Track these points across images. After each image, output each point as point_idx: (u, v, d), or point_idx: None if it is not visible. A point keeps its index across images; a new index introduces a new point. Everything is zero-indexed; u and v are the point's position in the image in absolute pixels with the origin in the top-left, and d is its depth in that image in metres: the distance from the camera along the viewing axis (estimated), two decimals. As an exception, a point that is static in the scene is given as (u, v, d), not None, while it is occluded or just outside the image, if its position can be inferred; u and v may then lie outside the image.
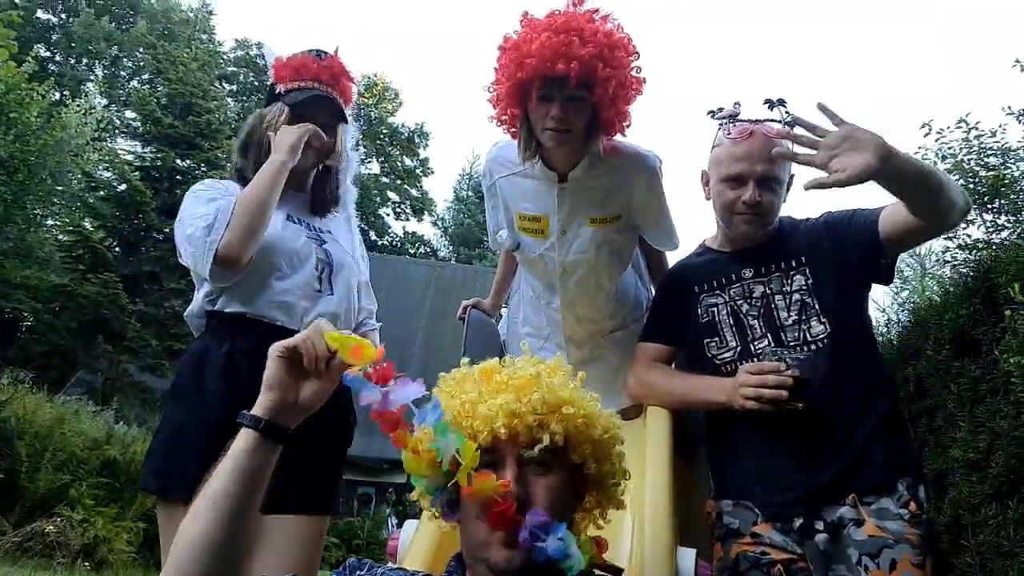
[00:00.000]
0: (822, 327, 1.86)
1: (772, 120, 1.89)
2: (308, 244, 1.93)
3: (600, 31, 1.82)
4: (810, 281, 1.89)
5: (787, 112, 1.83)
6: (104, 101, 22.34)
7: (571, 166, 2.02)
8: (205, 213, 1.82)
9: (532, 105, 1.90)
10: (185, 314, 1.97)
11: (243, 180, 1.95)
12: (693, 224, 2.24)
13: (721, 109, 1.97)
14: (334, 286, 1.94)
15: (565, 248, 2.12)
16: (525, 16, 1.89)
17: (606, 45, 1.81)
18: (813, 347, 1.84)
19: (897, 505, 1.70)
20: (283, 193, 1.97)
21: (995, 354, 1.48)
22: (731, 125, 1.93)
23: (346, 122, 2.08)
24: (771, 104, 1.86)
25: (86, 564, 5.91)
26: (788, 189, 1.98)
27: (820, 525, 1.75)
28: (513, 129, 2.00)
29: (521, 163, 2.05)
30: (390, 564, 1.39)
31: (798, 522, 1.76)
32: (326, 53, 2.05)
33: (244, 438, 1.18)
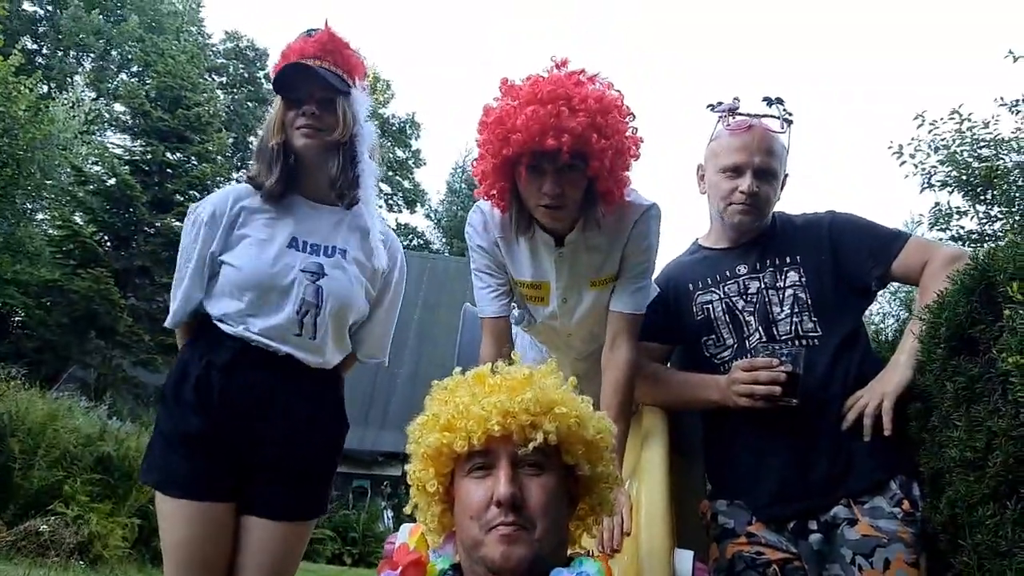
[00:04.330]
0: (813, 324, 1.86)
1: (771, 116, 1.91)
2: (298, 283, 1.81)
3: (590, 96, 1.68)
4: (803, 278, 1.89)
5: (785, 110, 1.84)
6: (92, 94, 22.18)
7: (568, 230, 1.88)
8: (176, 276, 1.91)
9: (522, 181, 1.77)
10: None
11: (256, 186, 1.88)
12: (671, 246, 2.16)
13: (721, 103, 1.97)
14: (318, 330, 1.82)
15: (568, 315, 1.99)
16: (505, 84, 1.77)
17: (599, 111, 1.68)
18: (804, 343, 1.84)
19: (890, 504, 1.70)
20: (295, 206, 1.90)
21: (993, 353, 1.47)
22: (730, 118, 1.94)
23: (347, 94, 1.89)
24: (770, 101, 1.88)
25: (81, 562, 5.89)
26: (782, 187, 1.98)
27: (814, 525, 1.75)
28: (502, 203, 1.86)
29: (514, 238, 1.91)
30: None
31: (792, 522, 1.77)
32: (315, 29, 1.92)
33: None
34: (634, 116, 1.78)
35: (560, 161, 1.69)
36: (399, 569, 1.27)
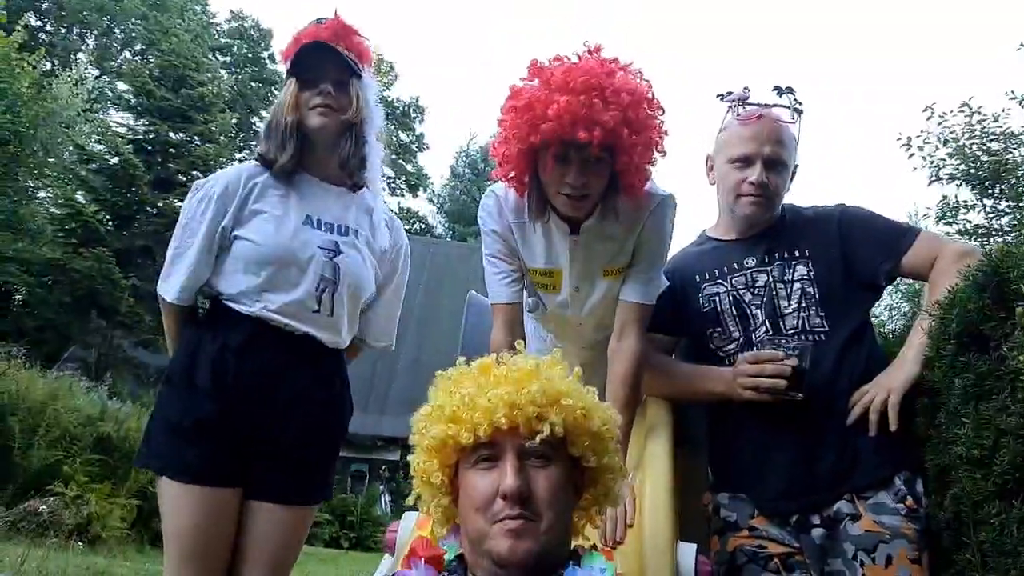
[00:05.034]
0: (820, 319, 1.84)
1: (781, 106, 1.89)
2: (316, 259, 1.82)
3: (623, 88, 1.64)
4: (812, 272, 1.88)
5: (795, 99, 1.82)
6: (95, 72, 22.12)
7: (584, 217, 1.85)
8: (174, 248, 1.85)
9: (546, 169, 1.74)
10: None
11: (265, 163, 1.88)
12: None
13: (731, 92, 1.95)
14: (335, 307, 1.84)
15: (579, 304, 1.97)
16: (535, 66, 1.71)
17: (630, 104, 1.64)
18: (811, 337, 1.83)
19: (894, 500, 1.69)
20: (304, 185, 1.90)
21: (1003, 350, 1.45)
22: (740, 108, 1.92)
23: (360, 77, 1.91)
24: (780, 91, 1.86)
25: (80, 542, 5.91)
26: (792, 178, 1.96)
27: (816, 519, 1.74)
28: (520, 187, 1.83)
29: (531, 224, 1.89)
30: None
31: (794, 516, 1.76)
32: (326, 18, 1.94)
33: None
34: (663, 110, 1.75)
35: (588, 153, 1.67)
36: (423, 559, 1.26)
